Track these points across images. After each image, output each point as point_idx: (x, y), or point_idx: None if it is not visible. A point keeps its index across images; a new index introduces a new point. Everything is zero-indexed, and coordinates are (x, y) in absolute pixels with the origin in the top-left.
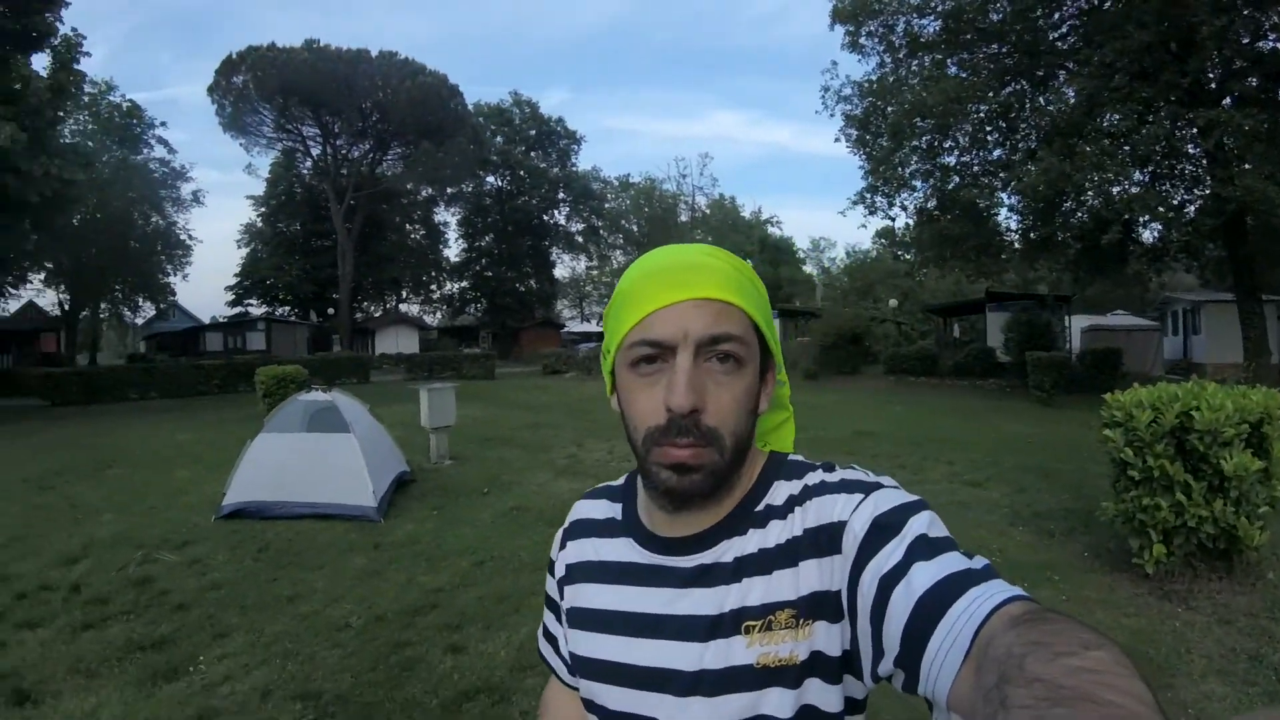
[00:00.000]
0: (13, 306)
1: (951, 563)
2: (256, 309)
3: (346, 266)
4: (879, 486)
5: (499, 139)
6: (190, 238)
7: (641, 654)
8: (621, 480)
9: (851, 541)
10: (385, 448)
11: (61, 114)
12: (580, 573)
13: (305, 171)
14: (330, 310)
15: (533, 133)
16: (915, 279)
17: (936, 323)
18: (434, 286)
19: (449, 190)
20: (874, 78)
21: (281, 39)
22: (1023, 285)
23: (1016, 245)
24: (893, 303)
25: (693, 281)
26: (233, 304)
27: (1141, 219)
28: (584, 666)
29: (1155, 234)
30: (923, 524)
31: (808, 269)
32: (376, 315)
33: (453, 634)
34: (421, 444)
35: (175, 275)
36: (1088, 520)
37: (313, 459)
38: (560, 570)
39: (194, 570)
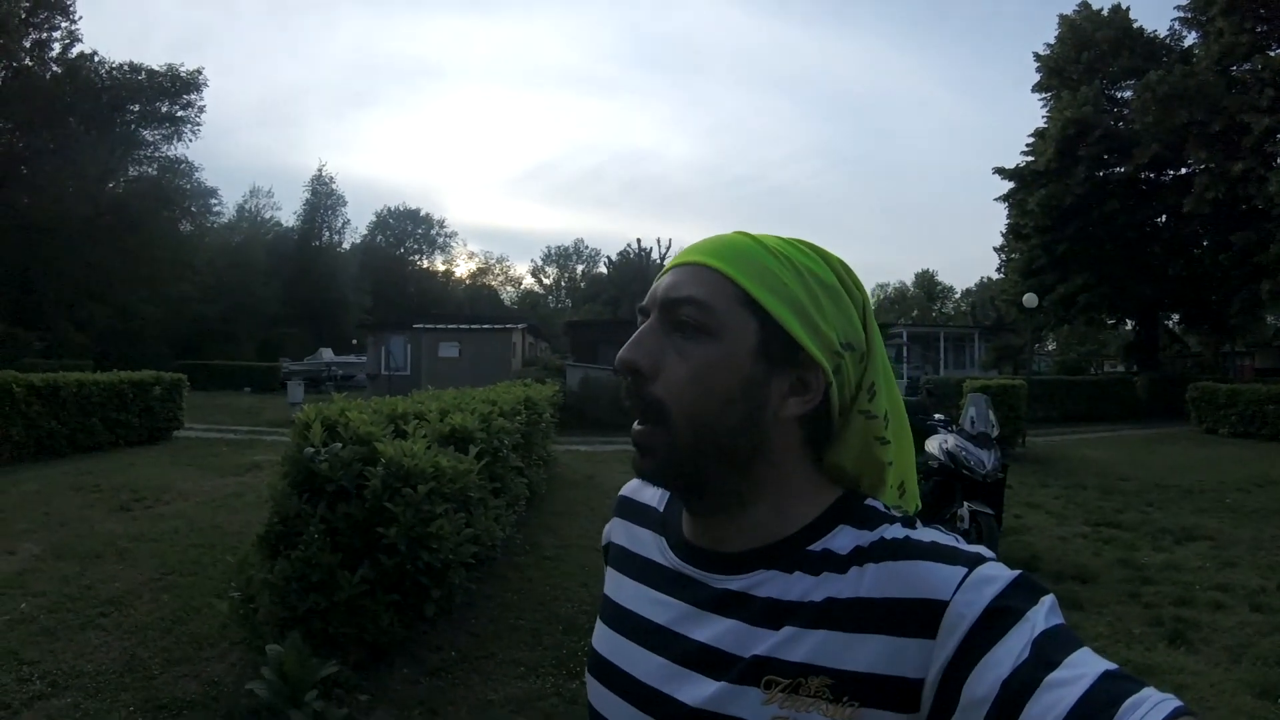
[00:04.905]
0: None
1: (1088, 663)
2: None
3: None
4: (980, 559)
5: None
6: None
7: (643, 667)
8: None
9: (956, 626)
10: None
11: None
12: (614, 556)
13: None
14: None
15: None
16: None
17: None
18: None
19: None
20: None
21: None
22: None
23: None
24: None
25: (689, 252)
26: None
27: None
28: (590, 658)
29: None
30: (1043, 614)
31: None
32: None
33: None
34: None
35: None
36: None
37: None
38: (603, 546)
39: None
